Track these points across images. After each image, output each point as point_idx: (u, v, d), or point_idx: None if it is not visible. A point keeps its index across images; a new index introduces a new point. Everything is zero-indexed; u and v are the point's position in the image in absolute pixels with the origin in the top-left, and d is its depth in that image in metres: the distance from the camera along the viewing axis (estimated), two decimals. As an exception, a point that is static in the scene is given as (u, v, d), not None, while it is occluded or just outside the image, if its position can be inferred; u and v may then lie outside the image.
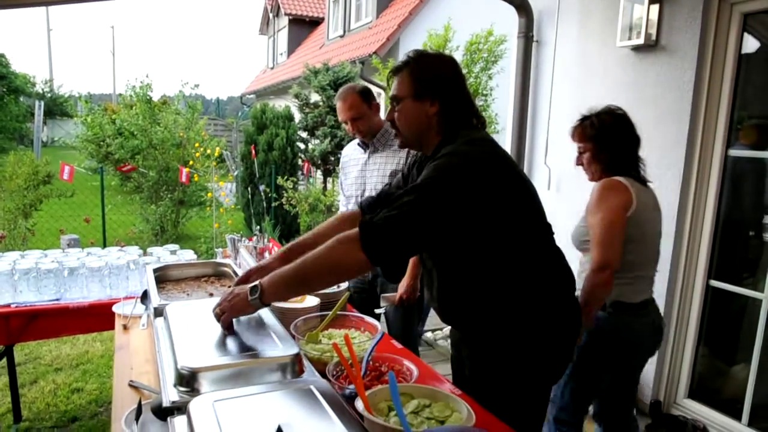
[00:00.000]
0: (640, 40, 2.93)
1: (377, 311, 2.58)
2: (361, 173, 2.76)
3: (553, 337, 1.70)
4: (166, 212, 7.75)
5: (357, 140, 2.86)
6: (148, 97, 8.34)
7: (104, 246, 4.34)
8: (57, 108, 26.44)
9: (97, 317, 2.70)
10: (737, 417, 2.75)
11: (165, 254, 2.95)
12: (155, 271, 2.29)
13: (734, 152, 2.76)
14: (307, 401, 1.14)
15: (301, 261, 1.43)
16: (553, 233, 1.71)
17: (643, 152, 2.97)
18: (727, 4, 2.70)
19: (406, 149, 2.27)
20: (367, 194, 2.71)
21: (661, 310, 2.88)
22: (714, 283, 2.83)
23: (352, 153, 2.88)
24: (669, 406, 3.04)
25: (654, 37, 2.91)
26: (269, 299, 1.46)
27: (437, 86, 1.63)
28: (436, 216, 1.41)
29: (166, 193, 7.83)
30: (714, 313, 2.89)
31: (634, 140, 2.14)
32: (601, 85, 3.27)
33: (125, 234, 7.71)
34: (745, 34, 2.72)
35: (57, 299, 2.72)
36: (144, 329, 2.21)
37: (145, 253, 3.02)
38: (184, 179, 6.10)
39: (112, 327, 2.64)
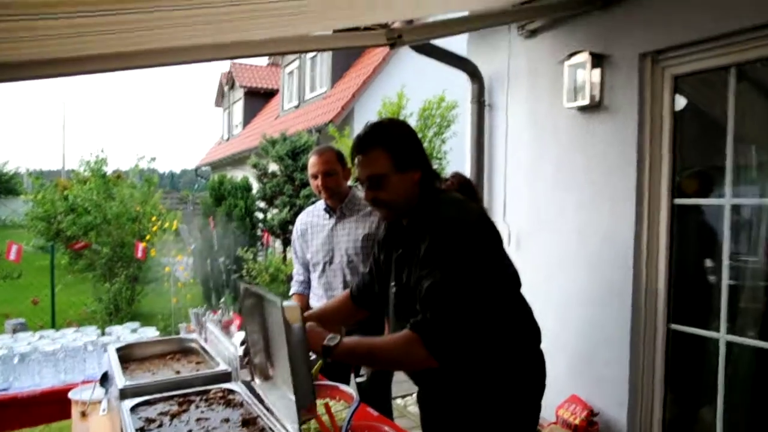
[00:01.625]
0: (586, 101, 3.11)
1: (359, 380, 2.53)
2: (328, 239, 2.74)
3: (522, 391, 1.71)
4: (121, 290, 7.49)
5: (317, 206, 2.88)
6: (102, 172, 8.22)
7: (53, 329, 4.13)
8: (1, 186, 25.65)
9: (50, 406, 2.51)
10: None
11: (125, 333, 2.83)
12: (118, 350, 2.20)
13: (679, 201, 2.91)
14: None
15: (371, 348, 1.60)
16: (520, 284, 1.75)
17: (595, 204, 3.13)
18: (659, 67, 2.92)
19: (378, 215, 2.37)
20: (336, 260, 2.70)
21: (627, 358, 2.95)
22: (674, 326, 2.91)
23: (314, 219, 2.85)
24: (644, 456, 3.03)
25: (598, 98, 3.10)
26: (336, 357, 1.53)
27: (415, 154, 1.69)
28: (476, 296, 1.53)
29: (121, 270, 7.60)
30: (677, 356, 2.95)
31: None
32: (552, 144, 3.43)
33: (77, 315, 7.35)
34: (677, 94, 2.93)
35: (5, 389, 2.54)
36: (105, 414, 2.09)
37: (103, 333, 2.90)
38: (140, 255, 5.95)
39: (65, 416, 2.48)
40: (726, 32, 2.55)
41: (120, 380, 1.85)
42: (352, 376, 2.63)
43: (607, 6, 3.04)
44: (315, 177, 2.72)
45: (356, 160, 1.71)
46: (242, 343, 1.87)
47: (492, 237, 1.67)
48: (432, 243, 1.56)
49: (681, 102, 2.97)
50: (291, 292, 2.97)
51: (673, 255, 2.93)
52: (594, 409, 3.05)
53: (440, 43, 3.65)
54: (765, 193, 2.78)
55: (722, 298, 2.72)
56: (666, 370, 2.94)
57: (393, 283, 1.78)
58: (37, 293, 7.13)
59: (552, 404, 3.14)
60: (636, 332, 2.97)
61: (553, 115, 3.41)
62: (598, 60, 3.08)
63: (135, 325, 2.97)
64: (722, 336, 2.70)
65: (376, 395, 2.63)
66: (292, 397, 1.37)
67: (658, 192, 2.93)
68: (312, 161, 2.74)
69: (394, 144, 1.67)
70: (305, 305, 2.84)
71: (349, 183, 2.87)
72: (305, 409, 1.36)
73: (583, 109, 3.20)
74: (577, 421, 2.99)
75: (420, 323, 1.51)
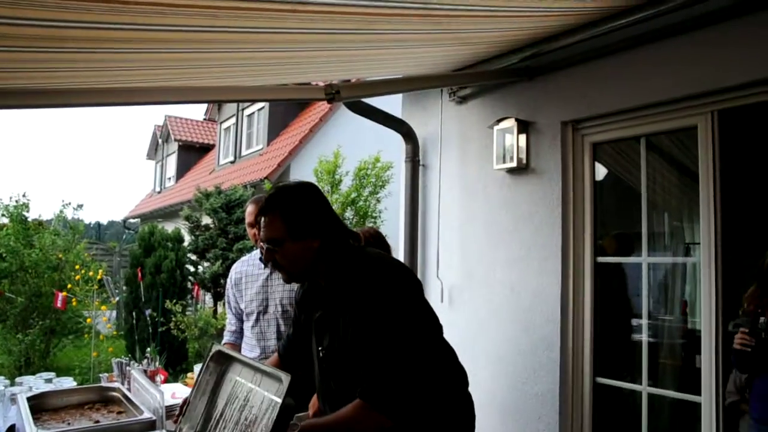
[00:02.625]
0: (513, 164, 3.30)
1: None
2: (263, 288, 2.73)
3: None
4: (35, 342, 6.98)
5: (252, 256, 2.87)
6: (23, 217, 7.79)
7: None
8: None
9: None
10: None
11: (38, 383, 2.66)
12: (29, 400, 2.07)
13: (601, 259, 3.10)
14: None
15: (334, 422, 1.58)
16: (442, 329, 1.81)
17: (525, 261, 3.27)
18: (579, 135, 3.16)
19: None
20: (270, 310, 2.69)
21: (557, 410, 3.03)
22: (600, 380, 3.02)
23: (248, 269, 2.85)
24: None
25: (525, 161, 3.30)
26: None
27: (313, 224, 1.68)
28: (414, 350, 1.58)
29: (37, 321, 7.11)
30: (603, 408, 3.05)
31: None
32: (482, 203, 3.59)
33: (-20, 367, 6.79)
34: (597, 161, 3.18)
35: None
36: (10, 471, 1.94)
37: (12, 384, 2.71)
38: (59, 304, 5.62)
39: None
40: (635, 106, 2.81)
41: (30, 431, 1.74)
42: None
43: (533, 77, 3.30)
44: (252, 226, 2.73)
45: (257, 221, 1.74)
46: (184, 401, 1.83)
47: (415, 286, 1.72)
48: (362, 306, 1.60)
49: (601, 168, 3.22)
50: (223, 342, 2.90)
51: (598, 310, 3.08)
52: (524, 463, 3.08)
53: (376, 103, 3.81)
54: (677, 252, 3.01)
55: (643, 353, 2.87)
56: (593, 422, 3.03)
57: (319, 348, 1.78)
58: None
59: (482, 459, 3.15)
60: (564, 385, 3.06)
61: (482, 176, 3.59)
62: (524, 126, 3.30)
63: (50, 375, 2.80)
64: (644, 388, 2.83)
65: None
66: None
67: (582, 251, 3.11)
68: (249, 210, 2.76)
69: (291, 212, 1.66)
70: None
71: None
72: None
73: (511, 171, 3.39)
74: (506, 476, 3.00)
75: (369, 391, 1.54)
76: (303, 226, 1.66)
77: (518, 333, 3.30)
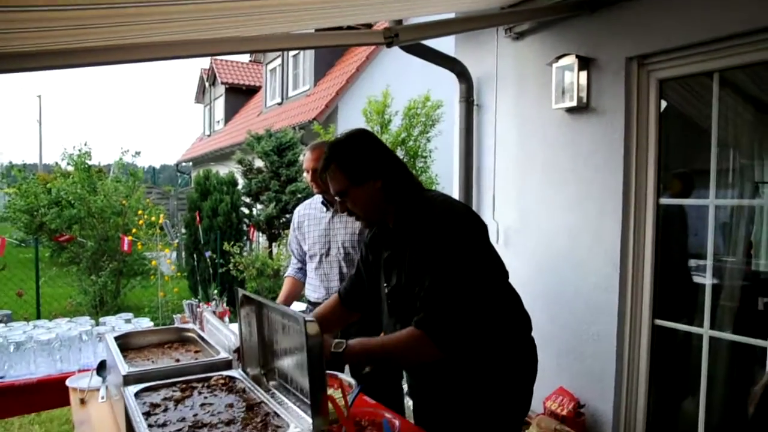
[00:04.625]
0: (573, 103, 3.19)
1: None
2: (325, 232, 2.81)
3: (515, 377, 1.78)
4: (107, 283, 7.44)
5: (314, 199, 2.94)
6: (86, 166, 8.14)
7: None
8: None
9: (46, 394, 2.54)
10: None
11: (119, 323, 2.85)
12: (116, 339, 2.22)
13: (664, 201, 3.01)
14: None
15: (384, 345, 1.69)
16: (508, 274, 1.83)
17: (583, 203, 3.22)
18: (645, 71, 3.01)
19: None
20: (333, 252, 2.76)
21: (613, 352, 3.05)
22: (659, 322, 3.01)
23: (311, 212, 2.92)
24: (627, 448, 3.13)
25: (585, 100, 3.19)
26: (347, 360, 1.63)
27: (369, 166, 1.74)
28: (472, 287, 1.61)
29: (106, 263, 7.55)
30: (661, 351, 3.05)
31: None
32: (540, 144, 3.51)
33: (61, 307, 7.31)
34: (663, 98, 3.03)
35: (1, 377, 2.56)
36: (104, 402, 2.12)
37: (96, 324, 2.91)
38: (126, 248, 5.93)
39: (61, 404, 2.50)
40: (708, 39, 2.64)
41: (122, 367, 1.88)
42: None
43: (594, 11, 3.13)
44: (307, 171, 2.79)
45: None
46: (235, 350, 1.93)
47: (480, 229, 1.74)
48: (425, 241, 1.64)
49: (666, 105, 3.08)
50: (285, 274, 3.04)
51: (659, 253, 3.03)
52: (581, 401, 3.15)
53: (429, 41, 3.72)
54: (745, 194, 2.90)
55: (706, 296, 2.82)
56: (650, 364, 3.04)
57: (385, 284, 1.84)
58: (20, 286, 7.07)
59: (540, 396, 3.22)
60: (622, 327, 3.06)
61: (541, 116, 3.50)
62: (585, 63, 3.17)
63: (128, 315, 2.99)
64: (705, 331, 2.80)
65: (384, 386, 2.68)
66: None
67: (644, 192, 3.03)
68: (306, 156, 2.82)
69: (346, 160, 1.74)
70: (299, 288, 2.95)
71: None
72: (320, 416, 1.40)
73: (570, 110, 3.29)
74: (564, 413, 3.08)
75: (424, 320, 1.58)
76: (360, 170, 1.72)
77: (576, 275, 3.29)
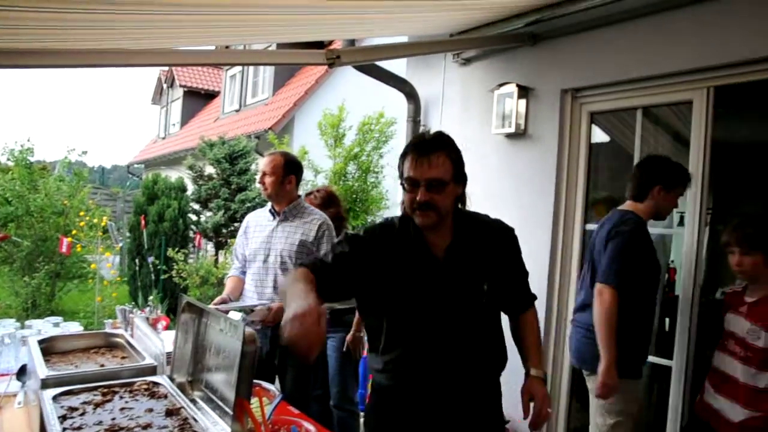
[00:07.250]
0: (512, 129, 3.34)
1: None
2: (268, 239, 2.90)
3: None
4: (41, 285, 7.17)
5: (265, 208, 3.02)
6: (28, 162, 7.86)
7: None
8: None
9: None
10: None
11: (47, 327, 2.78)
12: (39, 343, 2.19)
13: (590, 226, 3.17)
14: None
15: (537, 340, 1.98)
16: None
17: (518, 223, 3.34)
18: (577, 103, 3.19)
19: (317, 223, 2.80)
20: (271, 260, 2.85)
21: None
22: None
23: (259, 219, 3.03)
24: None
25: (523, 127, 3.34)
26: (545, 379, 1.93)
27: (464, 172, 1.79)
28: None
29: (42, 265, 7.28)
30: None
31: None
32: (481, 167, 3.63)
33: (-11, 309, 7.00)
34: (593, 127, 3.21)
35: None
36: (20, 407, 2.07)
37: (22, 327, 2.83)
38: (64, 249, 5.76)
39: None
40: (635, 77, 2.83)
41: (42, 370, 1.86)
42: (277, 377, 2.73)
43: (536, 43, 3.29)
44: (265, 175, 2.89)
45: (414, 161, 1.71)
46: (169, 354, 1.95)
47: None
48: (514, 244, 1.91)
49: (596, 135, 3.26)
50: (228, 275, 3.10)
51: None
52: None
53: (383, 63, 3.82)
54: (666, 223, 3.08)
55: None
56: (571, 383, 3.17)
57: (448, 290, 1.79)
58: (-53, 284, 6.73)
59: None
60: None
61: (482, 140, 3.62)
62: (524, 91, 3.32)
63: (58, 319, 2.92)
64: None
65: (296, 390, 2.74)
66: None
67: (573, 216, 3.19)
68: (262, 161, 2.95)
69: (457, 155, 1.76)
70: (242, 286, 2.99)
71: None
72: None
73: (509, 136, 3.43)
74: None
75: (528, 298, 1.97)
76: (461, 171, 1.77)
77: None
